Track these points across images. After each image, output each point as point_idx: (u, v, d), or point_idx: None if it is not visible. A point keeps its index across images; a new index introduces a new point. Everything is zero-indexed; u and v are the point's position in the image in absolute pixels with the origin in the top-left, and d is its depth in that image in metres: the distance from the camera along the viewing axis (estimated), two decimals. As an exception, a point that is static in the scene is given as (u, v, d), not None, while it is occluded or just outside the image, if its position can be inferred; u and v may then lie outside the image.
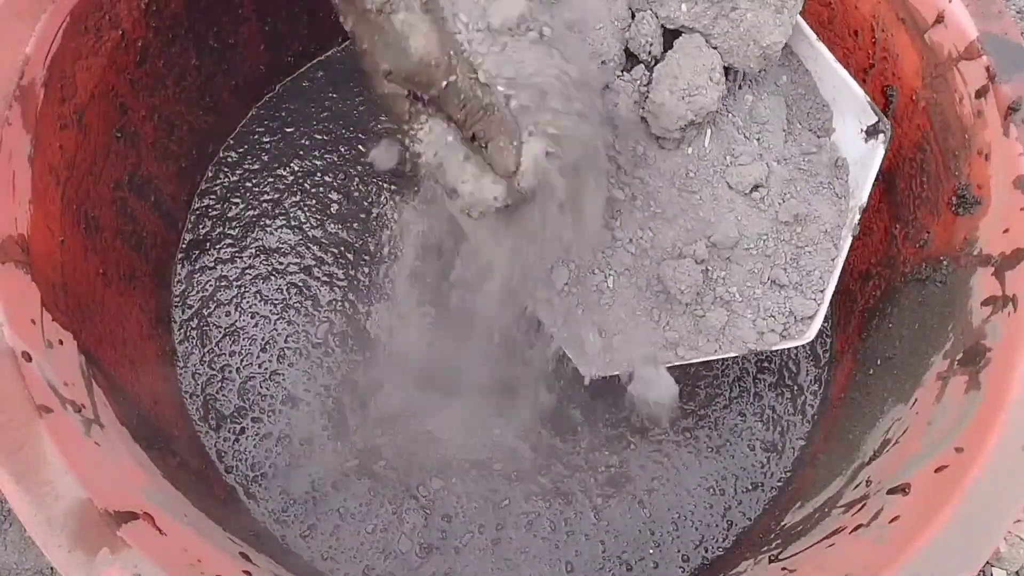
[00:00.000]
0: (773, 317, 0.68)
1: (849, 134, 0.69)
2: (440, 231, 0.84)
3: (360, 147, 0.97)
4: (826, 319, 0.92)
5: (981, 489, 0.55)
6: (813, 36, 0.66)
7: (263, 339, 0.88)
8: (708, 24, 0.63)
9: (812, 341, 0.89)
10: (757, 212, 0.66)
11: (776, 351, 0.89)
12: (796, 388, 0.89)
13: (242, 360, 0.87)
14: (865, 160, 0.68)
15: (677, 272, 0.66)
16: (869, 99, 0.66)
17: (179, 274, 0.91)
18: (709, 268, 0.67)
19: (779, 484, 0.85)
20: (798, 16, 0.65)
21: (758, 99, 0.67)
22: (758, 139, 0.67)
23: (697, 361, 0.70)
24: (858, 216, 0.68)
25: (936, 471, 0.58)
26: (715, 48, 0.64)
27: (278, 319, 0.89)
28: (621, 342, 0.70)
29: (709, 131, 0.65)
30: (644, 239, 0.67)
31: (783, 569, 0.65)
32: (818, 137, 0.69)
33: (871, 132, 0.68)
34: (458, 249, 0.78)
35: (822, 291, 0.68)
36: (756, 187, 0.66)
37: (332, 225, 0.93)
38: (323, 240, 0.92)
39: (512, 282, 0.71)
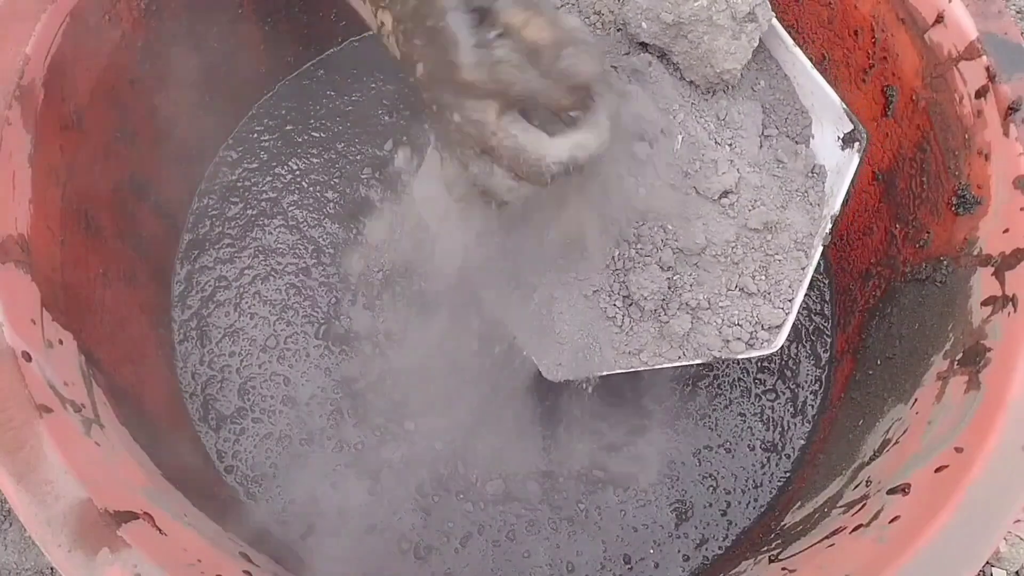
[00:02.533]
0: (740, 325, 0.67)
1: (827, 141, 0.68)
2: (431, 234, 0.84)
3: (358, 145, 0.97)
4: (826, 319, 0.92)
5: (981, 489, 0.55)
6: (789, 41, 0.66)
7: (263, 340, 0.88)
8: (668, 43, 0.64)
9: (812, 341, 0.90)
10: (725, 219, 0.66)
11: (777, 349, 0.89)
12: (796, 388, 0.89)
13: (242, 360, 0.87)
14: (841, 168, 0.67)
15: (641, 278, 0.65)
16: (845, 107, 0.66)
17: (179, 274, 0.91)
18: (676, 275, 0.67)
19: (779, 484, 0.85)
20: (774, 20, 0.65)
21: (732, 104, 0.66)
22: (730, 144, 0.66)
23: (661, 367, 0.69)
24: (830, 225, 0.67)
25: (936, 471, 0.58)
26: (676, 64, 0.65)
27: (277, 320, 0.89)
28: (584, 347, 0.69)
29: (680, 136, 0.65)
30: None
31: (783, 569, 0.65)
32: (796, 143, 0.69)
33: (847, 140, 0.67)
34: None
35: (791, 300, 0.67)
36: (725, 193, 0.65)
37: (330, 224, 0.93)
38: (320, 240, 0.92)
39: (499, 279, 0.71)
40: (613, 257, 0.66)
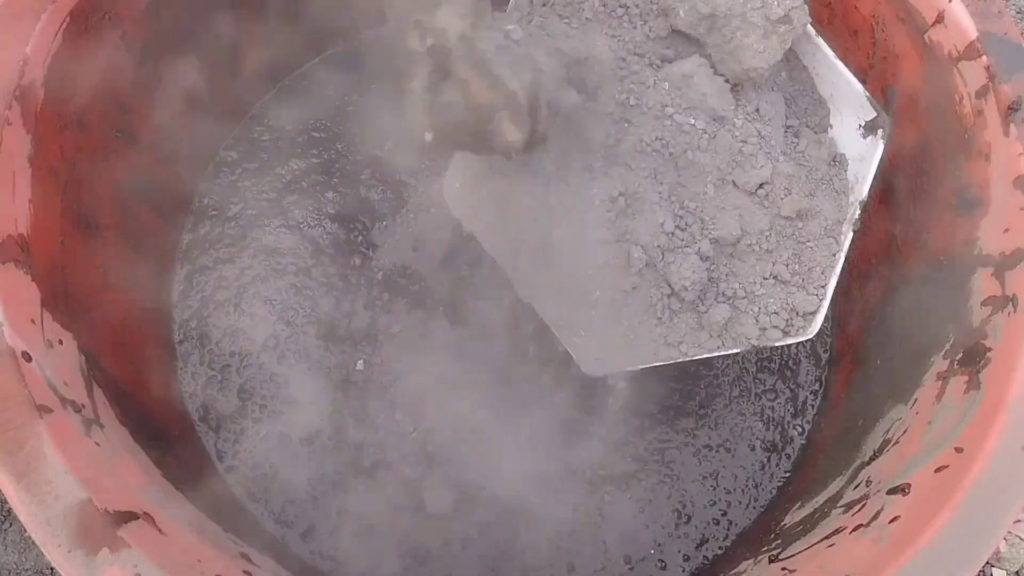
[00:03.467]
0: (776, 313, 0.68)
1: (847, 130, 0.69)
2: (438, 228, 0.84)
3: (357, 145, 0.97)
4: (826, 319, 0.92)
5: (981, 489, 0.55)
6: (812, 31, 0.66)
7: (262, 340, 0.88)
8: (704, 33, 0.64)
9: (812, 341, 0.90)
10: (760, 209, 0.67)
11: (777, 348, 0.89)
12: (796, 388, 0.89)
13: (242, 361, 0.87)
14: (864, 156, 0.68)
15: (682, 269, 0.66)
16: (868, 94, 0.66)
17: (179, 274, 0.90)
18: (712, 265, 0.67)
19: (779, 484, 0.85)
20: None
21: (760, 95, 0.67)
22: (764, 137, 0.67)
23: (700, 358, 0.69)
24: (859, 211, 0.68)
25: (936, 471, 0.58)
26: (708, 56, 0.65)
27: (277, 320, 0.89)
28: (624, 340, 0.69)
29: (728, 127, 0.66)
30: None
31: (783, 569, 0.65)
32: (816, 133, 0.70)
33: (870, 128, 0.68)
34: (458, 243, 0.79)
35: (824, 286, 0.68)
36: (761, 185, 0.66)
37: (330, 224, 0.93)
38: (320, 240, 0.92)
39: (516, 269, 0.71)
40: (654, 247, 0.67)
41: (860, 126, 0.68)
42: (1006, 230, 0.65)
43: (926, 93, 0.73)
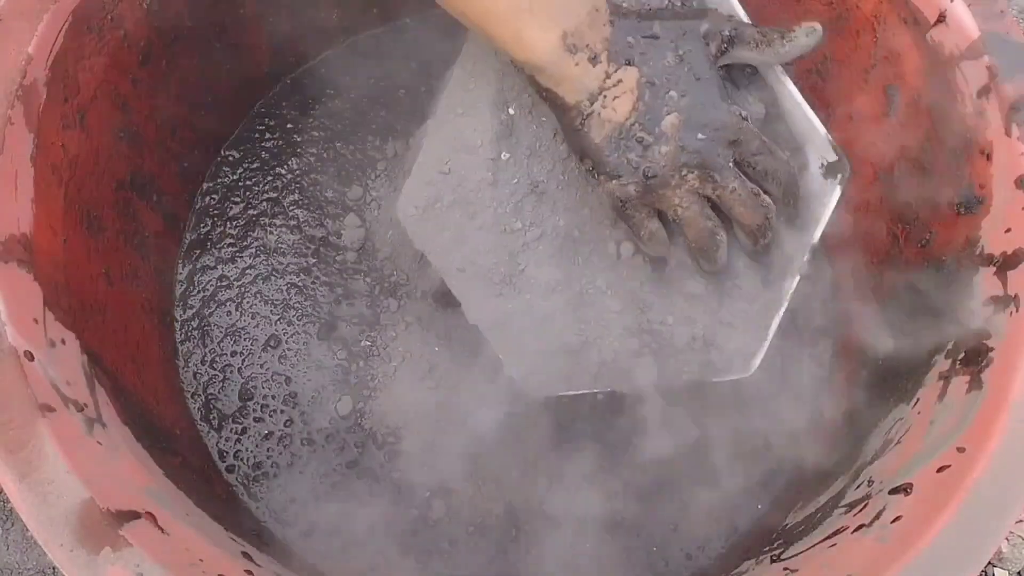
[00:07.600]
0: (719, 349, 0.68)
1: (811, 168, 0.67)
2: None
3: (358, 144, 0.97)
4: (827, 319, 0.92)
5: (983, 489, 0.55)
6: (779, 68, 0.65)
7: (264, 339, 0.88)
8: None
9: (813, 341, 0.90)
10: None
11: (777, 349, 0.89)
12: (797, 388, 0.89)
13: (243, 360, 0.87)
14: (822, 198, 0.66)
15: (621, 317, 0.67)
16: (830, 137, 0.65)
17: (180, 273, 0.91)
18: (650, 305, 0.68)
19: (780, 484, 0.85)
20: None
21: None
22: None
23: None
24: (807, 255, 0.66)
25: (938, 471, 0.58)
26: None
27: (279, 320, 0.89)
28: (562, 367, 0.70)
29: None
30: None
31: (785, 569, 0.65)
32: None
33: (830, 171, 0.66)
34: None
35: (768, 327, 0.68)
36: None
37: (331, 224, 0.93)
38: (322, 240, 0.92)
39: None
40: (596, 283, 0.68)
41: (821, 166, 0.66)
42: (1008, 230, 0.65)
43: (927, 93, 0.73)
